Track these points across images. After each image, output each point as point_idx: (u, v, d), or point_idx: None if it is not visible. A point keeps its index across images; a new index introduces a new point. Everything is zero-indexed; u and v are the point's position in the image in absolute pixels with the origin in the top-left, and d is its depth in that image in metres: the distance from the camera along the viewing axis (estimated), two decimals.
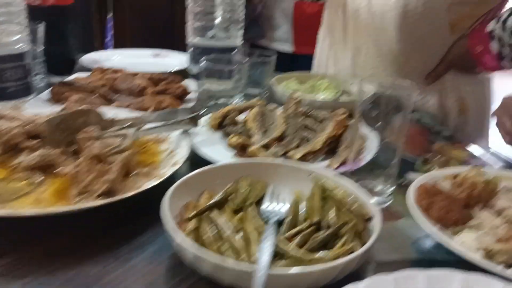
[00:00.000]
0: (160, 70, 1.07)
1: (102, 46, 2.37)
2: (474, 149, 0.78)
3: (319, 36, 1.14)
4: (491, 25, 0.85)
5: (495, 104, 1.02)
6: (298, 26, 1.50)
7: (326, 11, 1.09)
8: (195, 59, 0.99)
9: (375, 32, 0.93)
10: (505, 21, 0.82)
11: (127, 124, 0.62)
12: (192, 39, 0.99)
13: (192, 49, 1.00)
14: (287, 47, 1.54)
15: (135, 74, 0.97)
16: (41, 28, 0.94)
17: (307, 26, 1.48)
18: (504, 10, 0.89)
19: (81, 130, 0.60)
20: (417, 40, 0.89)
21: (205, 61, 0.87)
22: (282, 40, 1.55)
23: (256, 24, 1.51)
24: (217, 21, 0.96)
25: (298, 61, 1.54)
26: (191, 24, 0.98)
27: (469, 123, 0.96)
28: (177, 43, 1.54)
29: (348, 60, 1.02)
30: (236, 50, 0.97)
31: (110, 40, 1.63)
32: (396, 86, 0.59)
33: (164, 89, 0.88)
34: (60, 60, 1.05)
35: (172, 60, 1.21)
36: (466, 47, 0.89)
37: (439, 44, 0.90)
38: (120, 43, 1.57)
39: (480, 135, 0.99)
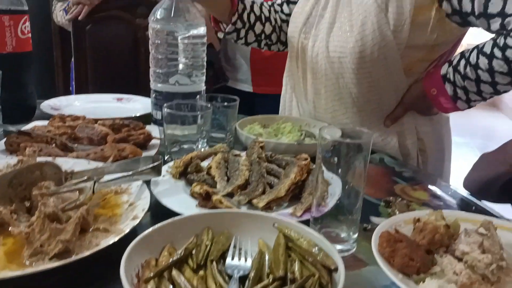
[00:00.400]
0: (123, 115, 1.07)
1: (67, 91, 2.35)
2: (434, 189, 0.79)
3: (284, 79, 1.16)
4: (444, 69, 0.89)
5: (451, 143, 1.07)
6: (255, 68, 1.57)
7: (288, 56, 1.12)
8: (158, 105, 0.99)
9: (334, 76, 0.95)
10: (456, 65, 0.87)
11: (85, 177, 0.60)
12: (155, 85, 0.99)
13: (155, 95, 0.99)
14: (247, 87, 1.60)
15: (96, 121, 0.95)
16: None
17: (263, 67, 1.54)
18: (455, 54, 0.94)
19: (37, 184, 0.58)
20: (374, 84, 0.93)
21: (168, 108, 0.86)
22: (243, 81, 1.60)
23: (221, 73, 1.55)
24: (180, 67, 0.96)
25: (258, 100, 1.59)
26: (153, 71, 0.98)
27: (429, 162, 0.98)
28: (140, 87, 1.54)
29: (309, 103, 1.04)
30: (199, 95, 0.97)
31: (73, 88, 1.61)
32: (355, 133, 0.60)
33: (126, 136, 0.87)
34: (18, 107, 1.02)
35: (135, 105, 1.20)
36: (422, 89, 0.92)
37: (395, 87, 0.94)
38: (82, 87, 1.55)
39: (439, 175, 1.01)
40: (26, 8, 1.01)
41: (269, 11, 1.13)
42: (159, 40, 0.95)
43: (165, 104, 0.86)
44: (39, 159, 0.69)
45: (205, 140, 0.90)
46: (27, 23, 1.01)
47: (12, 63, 0.98)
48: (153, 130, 0.96)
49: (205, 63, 1.00)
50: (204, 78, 1.01)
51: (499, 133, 4.10)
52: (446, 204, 0.74)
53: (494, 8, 0.77)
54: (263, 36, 1.11)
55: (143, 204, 0.60)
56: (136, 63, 1.54)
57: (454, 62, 0.88)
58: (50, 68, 2.32)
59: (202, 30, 0.97)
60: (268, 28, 1.11)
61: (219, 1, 1.03)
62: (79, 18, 1.48)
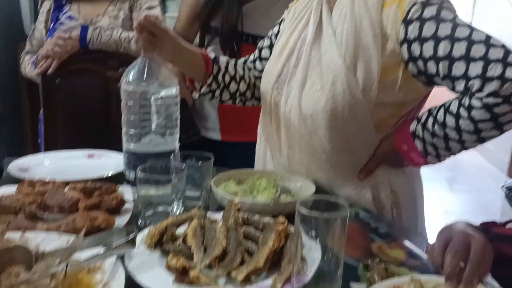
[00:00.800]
0: (95, 174, 1.05)
1: (35, 144, 2.30)
2: (411, 246, 0.80)
3: (258, 130, 1.17)
4: (413, 125, 0.92)
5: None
6: (223, 116, 1.57)
7: (261, 109, 1.13)
8: (131, 165, 0.97)
9: (307, 132, 0.97)
10: (425, 123, 0.89)
11: (57, 261, 0.57)
12: (128, 145, 0.97)
13: (127, 155, 0.98)
14: (216, 136, 1.60)
15: (66, 184, 0.93)
16: None
17: (232, 115, 1.55)
18: (422, 110, 0.97)
19: (5, 269, 0.55)
20: (346, 140, 0.94)
21: (142, 171, 0.85)
22: (211, 130, 1.61)
23: (194, 127, 1.55)
24: (153, 127, 0.96)
25: (228, 150, 1.58)
26: (126, 131, 0.97)
27: (403, 214, 1.00)
28: (111, 140, 1.52)
29: (284, 157, 1.05)
30: (173, 154, 0.96)
31: (42, 140, 1.57)
32: (331, 192, 0.60)
33: (98, 202, 0.85)
34: None
35: (107, 161, 1.18)
36: (393, 145, 0.94)
37: (367, 142, 0.96)
38: (51, 141, 1.52)
39: (414, 226, 1.03)
40: None
41: (243, 69, 1.15)
42: (131, 101, 0.95)
43: (138, 168, 0.85)
44: (8, 234, 0.66)
45: (181, 201, 0.89)
46: None
47: None
48: (126, 191, 0.94)
49: (178, 122, 1.00)
50: (177, 136, 1.01)
51: (466, 165, 4.23)
52: (422, 263, 0.74)
53: (457, 71, 0.81)
54: (237, 94, 1.12)
55: (118, 285, 0.58)
56: (107, 116, 1.53)
57: (423, 120, 0.90)
58: (17, 120, 2.28)
59: (174, 90, 0.97)
60: (242, 86, 1.13)
61: (194, 64, 1.04)
62: (48, 72, 1.46)
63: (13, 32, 2.34)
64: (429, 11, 0.84)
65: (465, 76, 0.80)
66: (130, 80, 0.95)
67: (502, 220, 0.81)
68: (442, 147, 0.88)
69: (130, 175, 0.98)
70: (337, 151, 0.96)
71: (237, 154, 1.47)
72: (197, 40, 1.60)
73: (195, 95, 1.11)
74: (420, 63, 0.86)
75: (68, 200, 0.84)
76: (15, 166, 1.08)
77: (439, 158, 0.92)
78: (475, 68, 0.79)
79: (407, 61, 0.88)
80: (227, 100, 1.13)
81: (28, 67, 1.62)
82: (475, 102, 0.80)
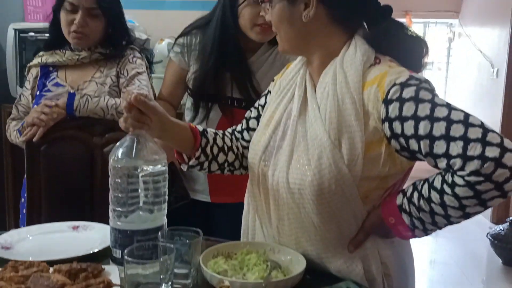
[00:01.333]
0: (80, 248, 1.03)
1: (16, 209, 2.25)
2: None
3: (245, 199, 1.17)
4: (399, 199, 0.93)
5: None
6: (212, 178, 1.58)
7: (249, 179, 1.14)
8: (117, 243, 0.95)
9: (295, 205, 0.97)
10: (411, 197, 0.91)
11: None
12: (115, 222, 0.96)
13: (114, 233, 0.96)
14: (204, 198, 1.60)
15: (51, 264, 0.91)
16: None
17: (220, 177, 1.55)
18: (406, 184, 0.99)
19: None
20: (334, 213, 0.95)
21: (128, 252, 0.83)
22: (200, 191, 1.61)
23: (183, 191, 1.55)
24: (141, 203, 0.95)
25: (216, 211, 1.59)
26: (113, 209, 0.96)
27: (394, 286, 0.99)
28: (95, 208, 1.50)
29: (273, 228, 1.05)
30: (160, 232, 0.95)
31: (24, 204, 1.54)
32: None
33: (84, 286, 0.82)
34: None
35: (92, 234, 1.16)
36: (380, 217, 0.95)
37: (355, 214, 0.96)
38: (34, 209, 1.49)
39: None
40: None
41: (231, 140, 1.17)
42: (119, 178, 0.94)
43: (125, 250, 0.83)
44: None
45: (169, 284, 0.87)
46: None
47: None
48: (113, 270, 0.92)
49: (166, 197, 0.99)
50: (165, 211, 1.00)
51: None
52: None
53: (439, 149, 0.83)
54: (226, 164, 1.13)
55: None
56: (91, 182, 1.51)
57: (408, 194, 0.92)
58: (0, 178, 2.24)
59: (162, 165, 0.97)
60: (231, 157, 1.14)
61: (182, 137, 1.06)
62: (34, 139, 1.45)
63: None
64: (408, 92, 0.87)
65: (447, 155, 0.82)
66: (119, 157, 0.95)
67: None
68: (429, 221, 0.89)
69: (117, 254, 0.96)
70: (325, 224, 0.96)
71: (226, 215, 1.47)
72: (186, 103, 1.63)
73: (184, 167, 1.11)
74: (402, 140, 0.88)
75: (53, 286, 0.82)
76: None
77: (426, 232, 0.93)
78: (456, 148, 0.81)
79: (389, 138, 0.90)
80: (215, 171, 1.14)
81: (14, 133, 1.61)
82: (458, 180, 0.82)
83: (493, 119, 4.24)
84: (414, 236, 0.94)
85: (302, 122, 0.99)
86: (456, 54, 5.94)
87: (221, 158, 1.11)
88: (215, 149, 1.10)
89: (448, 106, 0.85)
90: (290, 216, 1.00)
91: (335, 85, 0.95)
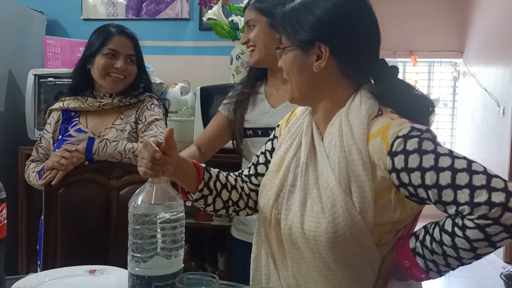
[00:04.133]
0: None
1: (29, 248, 2.27)
2: None
3: (254, 243, 1.18)
4: (413, 243, 0.96)
5: None
6: None
7: (258, 223, 1.16)
8: None
9: (310, 251, 1.00)
10: (423, 241, 0.94)
11: None
12: (133, 268, 0.98)
13: (132, 279, 0.98)
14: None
15: None
16: None
17: None
18: (417, 227, 1.01)
19: None
20: (350, 259, 0.97)
21: None
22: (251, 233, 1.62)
23: None
24: (158, 249, 0.98)
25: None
26: (131, 255, 0.99)
27: None
28: (110, 249, 1.53)
29: (289, 271, 1.06)
30: (177, 279, 0.97)
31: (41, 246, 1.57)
32: None
33: None
34: None
35: (110, 279, 1.17)
36: (395, 262, 0.98)
37: (370, 259, 0.98)
38: (50, 250, 1.52)
39: None
40: (4, 195, 1.02)
41: (235, 180, 1.20)
42: (138, 225, 0.97)
43: None
44: None
45: None
46: (4, 211, 1.02)
47: None
48: None
49: (183, 243, 1.02)
50: (182, 257, 1.02)
51: None
52: None
53: (447, 197, 0.87)
54: (230, 202, 1.16)
55: None
56: (107, 224, 1.54)
57: (421, 237, 0.95)
58: (15, 221, 2.27)
59: (180, 212, 1.01)
60: (234, 195, 1.17)
61: (188, 173, 1.09)
62: (53, 183, 1.50)
63: (15, 134, 2.42)
64: (411, 144, 0.91)
65: (455, 202, 0.86)
66: (138, 204, 0.99)
67: None
68: (442, 263, 0.92)
69: None
70: (342, 269, 0.98)
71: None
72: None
73: (188, 203, 1.14)
74: (410, 189, 0.92)
75: None
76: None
77: (440, 273, 0.94)
78: (463, 195, 0.85)
79: (398, 186, 0.94)
80: (220, 209, 1.16)
81: (32, 175, 1.66)
82: (468, 223, 0.85)
83: (500, 157, 4.25)
84: (428, 278, 0.96)
85: (313, 169, 1.03)
86: (461, 92, 6.02)
87: (224, 195, 1.14)
88: (218, 185, 1.14)
89: (451, 155, 0.89)
90: (306, 260, 1.01)
91: (341, 136, 0.99)
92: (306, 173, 1.04)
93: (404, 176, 0.91)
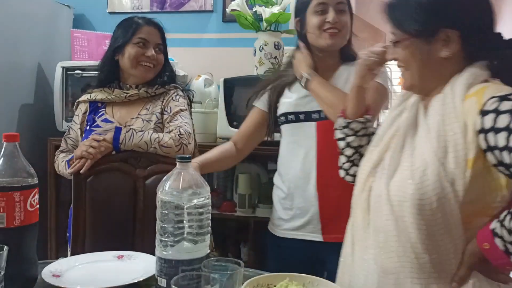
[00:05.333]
0: (125, 277, 1.08)
1: (58, 238, 2.33)
2: None
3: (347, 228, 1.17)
4: (494, 223, 0.90)
5: None
6: (324, 216, 1.53)
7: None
8: (163, 272, 0.99)
9: (394, 218, 0.98)
10: (503, 220, 0.88)
11: None
12: (160, 252, 1.00)
13: (160, 262, 1.00)
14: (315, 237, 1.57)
15: None
16: (3, 253, 0.90)
17: (332, 216, 1.51)
18: None
19: None
20: (433, 234, 0.94)
21: (174, 283, 0.87)
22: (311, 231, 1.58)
23: None
24: (185, 234, 0.99)
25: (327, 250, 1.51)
26: (159, 239, 1.00)
27: None
28: (137, 237, 1.55)
29: (368, 245, 1.05)
30: (203, 263, 0.98)
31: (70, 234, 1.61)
32: None
33: None
34: (20, 279, 1.01)
35: (137, 264, 1.20)
36: (476, 244, 0.93)
37: (454, 241, 0.95)
38: (79, 237, 1.56)
39: None
40: (36, 181, 1.05)
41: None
42: (166, 210, 0.99)
43: (171, 280, 0.87)
44: None
45: None
46: (36, 196, 1.04)
47: (18, 236, 1.00)
48: None
49: (209, 229, 1.03)
50: (208, 242, 1.03)
51: None
52: None
53: None
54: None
55: None
56: (134, 212, 1.57)
57: (501, 217, 0.89)
58: (44, 210, 2.33)
59: (206, 199, 1.02)
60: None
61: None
62: (81, 171, 1.53)
63: (44, 125, 2.48)
64: (505, 105, 0.88)
65: None
66: (166, 190, 1.00)
67: None
68: None
69: (162, 283, 1.00)
70: (423, 245, 0.95)
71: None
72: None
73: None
74: (497, 152, 0.88)
75: None
76: (48, 271, 1.11)
77: None
78: None
79: (485, 151, 0.91)
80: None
81: (62, 164, 1.69)
82: None
83: None
84: (510, 264, 0.89)
85: (411, 141, 1.03)
86: None
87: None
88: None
89: None
90: (387, 229, 1.00)
91: (443, 105, 0.98)
92: (402, 145, 1.04)
93: (490, 137, 0.88)
